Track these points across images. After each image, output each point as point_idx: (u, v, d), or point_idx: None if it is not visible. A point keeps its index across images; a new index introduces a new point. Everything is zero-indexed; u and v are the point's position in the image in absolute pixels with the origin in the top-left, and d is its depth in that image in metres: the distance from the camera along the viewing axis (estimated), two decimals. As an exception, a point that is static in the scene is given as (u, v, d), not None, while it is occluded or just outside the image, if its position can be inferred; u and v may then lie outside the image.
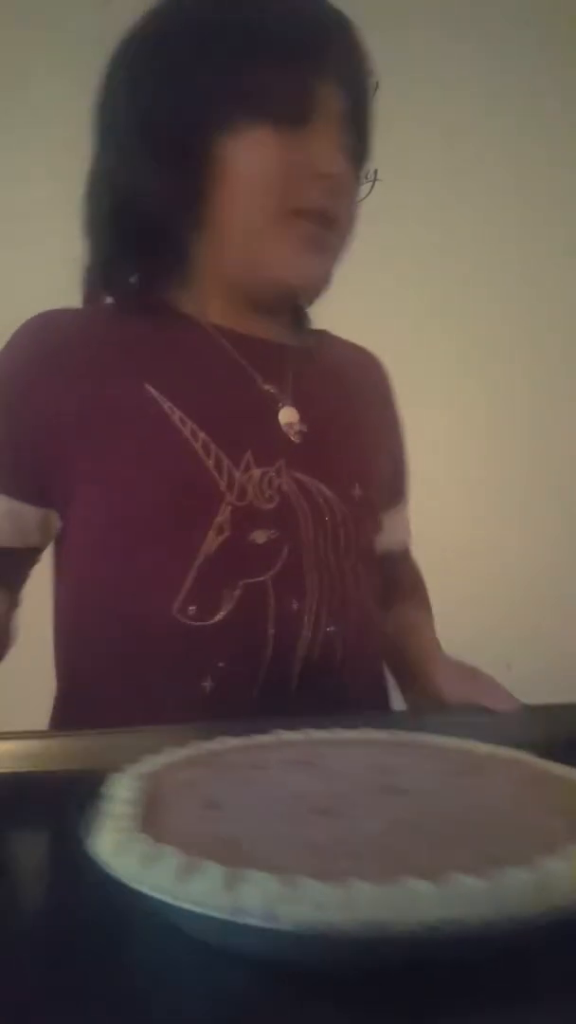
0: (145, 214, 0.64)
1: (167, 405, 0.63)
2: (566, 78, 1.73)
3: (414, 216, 1.60)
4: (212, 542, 0.62)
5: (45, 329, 0.68)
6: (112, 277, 0.68)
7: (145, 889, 0.34)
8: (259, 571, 0.64)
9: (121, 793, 0.42)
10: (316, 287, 0.69)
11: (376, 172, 0.69)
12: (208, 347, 0.67)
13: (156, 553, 0.64)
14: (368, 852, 0.39)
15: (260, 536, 0.63)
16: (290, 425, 0.65)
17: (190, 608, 0.62)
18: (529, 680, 1.57)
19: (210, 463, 0.62)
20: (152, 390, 0.64)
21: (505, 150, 1.71)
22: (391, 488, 0.79)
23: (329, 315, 0.77)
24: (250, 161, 0.61)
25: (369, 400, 0.75)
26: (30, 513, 0.69)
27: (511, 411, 1.67)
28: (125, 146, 0.65)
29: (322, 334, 0.79)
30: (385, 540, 0.81)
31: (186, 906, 0.33)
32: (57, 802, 0.45)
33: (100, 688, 0.69)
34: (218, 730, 0.55)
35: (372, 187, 0.69)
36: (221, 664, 0.64)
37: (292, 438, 0.65)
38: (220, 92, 0.62)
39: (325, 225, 0.64)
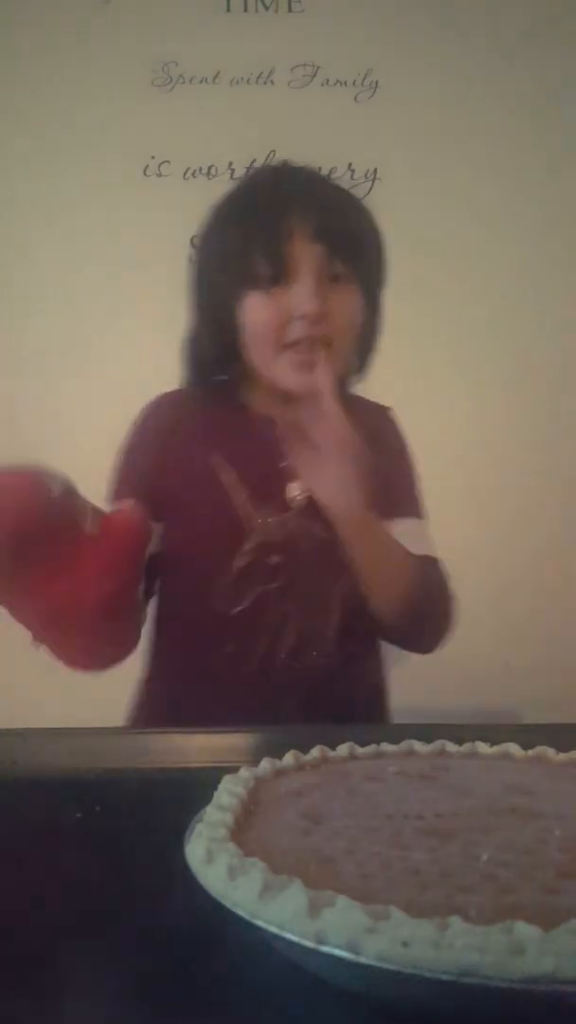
0: (214, 350, 0.96)
1: (224, 468, 0.94)
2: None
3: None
4: (240, 561, 0.92)
5: (160, 409, 1.02)
6: (204, 383, 1.01)
7: (227, 904, 0.33)
8: (270, 582, 0.92)
9: (222, 797, 0.41)
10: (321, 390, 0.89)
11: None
12: (254, 430, 0.95)
13: (205, 566, 0.93)
14: (477, 884, 0.36)
15: (274, 559, 0.91)
16: (291, 498, 0.94)
17: (223, 602, 0.91)
18: (529, 679, 1.56)
19: (241, 513, 0.92)
20: (219, 457, 0.94)
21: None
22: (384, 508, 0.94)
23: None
24: (251, 318, 0.89)
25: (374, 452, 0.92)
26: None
27: (514, 415, 1.72)
28: (196, 310, 0.97)
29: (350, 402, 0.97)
30: None
31: (264, 926, 0.32)
32: (165, 799, 0.45)
33: (167, 655, 0.97)
34: (346, 734, 0.53)
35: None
36: (234, 641, 0.91)
37: (291, 505, 0.94)
38: (233, 274, 0.89)
39: (314, 349, 0.87)
